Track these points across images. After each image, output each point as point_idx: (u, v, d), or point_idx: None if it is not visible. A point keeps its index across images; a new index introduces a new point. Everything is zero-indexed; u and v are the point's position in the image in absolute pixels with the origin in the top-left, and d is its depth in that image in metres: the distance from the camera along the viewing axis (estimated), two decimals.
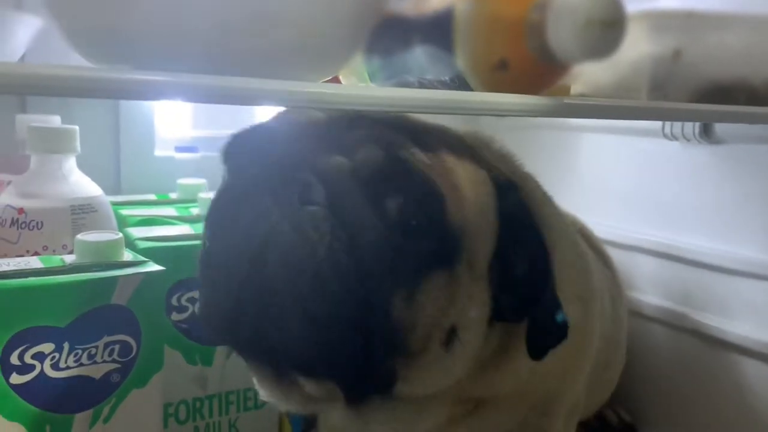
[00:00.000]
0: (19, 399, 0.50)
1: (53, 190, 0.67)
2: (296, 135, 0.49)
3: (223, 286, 0.46)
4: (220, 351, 0.67)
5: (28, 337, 0.50)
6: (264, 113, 0.63)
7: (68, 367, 0.52)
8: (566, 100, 0.47)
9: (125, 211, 0.75)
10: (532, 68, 0.44)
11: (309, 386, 0.49)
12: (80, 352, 0.52)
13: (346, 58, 0.46)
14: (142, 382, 0.55)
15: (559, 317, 0.49)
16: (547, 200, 0.60)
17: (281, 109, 0.55)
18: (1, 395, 0.49)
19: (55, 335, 0.51)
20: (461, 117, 0.46)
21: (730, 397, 0.80)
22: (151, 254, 0.59)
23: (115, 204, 0.75)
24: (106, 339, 0.53)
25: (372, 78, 0.53)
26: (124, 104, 0.91)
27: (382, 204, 0.45)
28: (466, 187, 0.48)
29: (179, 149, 0.95)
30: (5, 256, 0.64)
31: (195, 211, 0.77)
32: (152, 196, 0.86)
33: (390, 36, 0.49)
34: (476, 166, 0.50)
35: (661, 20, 0.58)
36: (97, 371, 0.53)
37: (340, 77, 0.56)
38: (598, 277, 0.67)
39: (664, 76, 0.59)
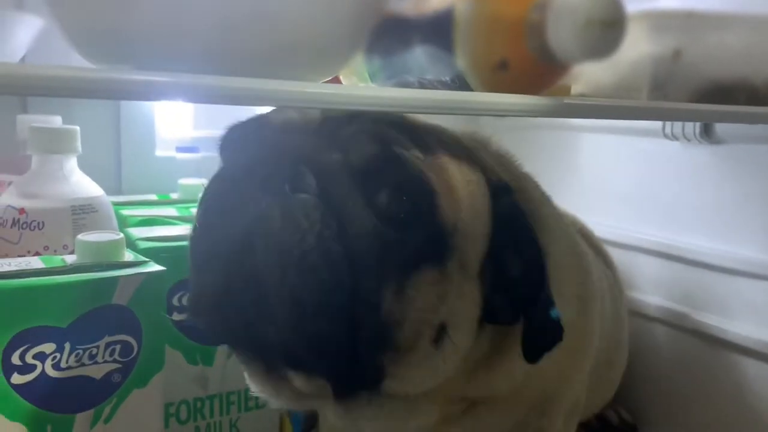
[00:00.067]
0: (21, 399, 0.50)
1: (54, 190, 0.68)
2: (291, 128, 0.49)
3: (211, 271, 0.46)
4: (221, 351, 0.67)
5: (30, 337, 0.50)
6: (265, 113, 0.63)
7: (69, 367, 0.52)
8: (566, 100, 0.47)
9: (126, 212, 0.75)
10: (532, 68, 0.45)
11: (298, 381, 0.48)
12: (81, 352, 0.52)
13: (346, 58, 0.46)
14: (143, 382, 0.55)
15: (553, 313, 0.49)
16: (545, 200, 0.60)
17: None
18: (2, 395, 0.49)
19: (57, 335, 0.51)
20: (461, 117, 0.46)
21: (730, 397, 0.80)
22: (152, 254, 0.59)
23: (115, 204, 0.75)
24: (107, 339, 0.53)
25: (372, 78, 0.53)
26: (125, 104, 0.91)
27: (374, 196, 0.45)
28: (461, 187, 0.48)
29: (180, 149, 0.96)
30: (6, 256, 0.64)
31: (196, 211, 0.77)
32: (153, 197, 0.86)
33: (390, 36, 0.49)
34: (472, 167, 0.50)
35: (661, 20, 0.58)
36: (98, 371, 0.53)
37: (341, 77, 0.56)
38: (598, 277, 0.67)
39: (665, 76, 0.59)
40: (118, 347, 0.54)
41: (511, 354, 0.52)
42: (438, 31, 0.47)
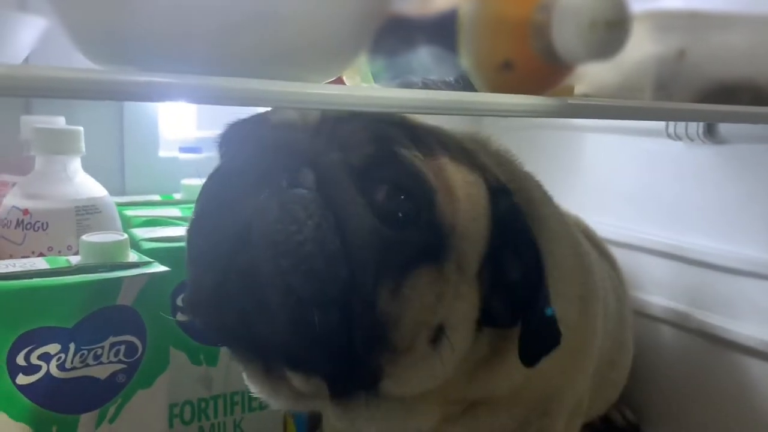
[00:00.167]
0: (26, 399, 0.50)
1: (58, 191, 0.68)
2: (290, 126, 0.49)
3: (207, 265, 0.45)
4: (225, 351, 0.67)
5: (35, 338, 0.50)
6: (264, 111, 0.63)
7: (74, 368, 0.52)
8: (570, 101, 0.47)
9: (130, 212, 0.75)
10: (536, 69, 0.45)
11: (296, 380, 0.48)
12: (86, 352, 0.52)
13: (350, 58, 0.46)
14: (147, 383, 0.56)
15: (550, 316, 0.49)
16: (546, 200, 0.60)
17: None
18: (7, 396, 0.49)
19: (61, 336, 0.51)
20: (463, 116, 0.46)
21: (734, 397, 0.80)
22: (156, 255, 0.59)
23: (119, 205, 0.75)
24: (112, 339, 0.53)
25: (376, 78, 0.53)
26: (129, 105, 0.91)
27: (372, 194, 0.45)
28: (460, 188, 0.48)
29: (183, 150, 0.96)
30: (11, 256, 0.64)
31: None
32: (156, 197, 0.86)
33: (394, 36, 0.49)
34: (471, 168, 0.50)
35: (665, 20, 0.58)
36: (102, 372, 0.53)
37: (344, 77, 0.56)
38: (600, 277, 0.67)
39: (669, 76, 0.59)
40: (122, 348, 0.54)
41: (511, 356, 0.52)
42: (442, 31, 0.47)
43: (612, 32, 0.41)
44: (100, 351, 0.53)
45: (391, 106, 0.42)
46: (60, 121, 0.79)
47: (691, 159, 0.84)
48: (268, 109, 0.52)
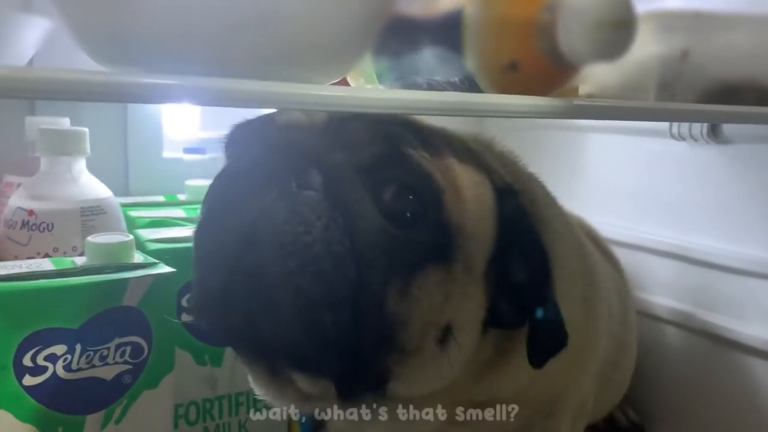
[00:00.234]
0: (32, 400, 0.50)
1: (63, 192, 0.68)
2: (296, 127, 0.48)
3: (214, 266, 0.45)
4: (230, 352, 0.67)
5: (41, 339, 0.50)
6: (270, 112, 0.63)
7: (80, 369, 0.52)
8: (576, 102, 0.47)
9: (134, 213, 0.76)
10: (542, 69, 0.44)
11: (302, 382, 0.48)
12: (92, 353, 0.52)
13: (355, 59, 0.46)
14: (153, 384, 0.56)
15: (557, 317, 0.49)
16: (550, 201, 0.60)
17: None
18: (14, 397, 0.50)
19: (68, 337, 0.51)
20: (466, 117, 0.46)
21: (738, 398, 0.80)
22: (161, 256, 0.59)
23: (123, 205, 0.76)
24: (118, 340, 0.53)
25: (380, 79, 0.53)
26: (132, 106, 0.92)
27: (380, 194, 0.45)
28: (466, 188, 0.48)
29: (187, 151, 0.96)
30: (16, 257, 0.64)
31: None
32: (160, 198, 0.86)
33: (399, 37, 0.49)
34: (477, 169, 0.50)
35: (668, 21, 0.58)
36: (108, 372, 0.53)
37: (348, 78, 0.56)
38: (604, 278, 0.67)
39: (672, 76, 0.59)
40: (128, 348, 0.54)
41: (517, 357, 0.52)
42: (447, 32, 0.47)
43: (618, 33, 0.41)
44: (106, 352, 0.53)
45: (395, 107, 0.42)
46: (64, 122, 0.79)
47: (695, 159, 0.84)
48: (274, 110, 0.52)
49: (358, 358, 0.45)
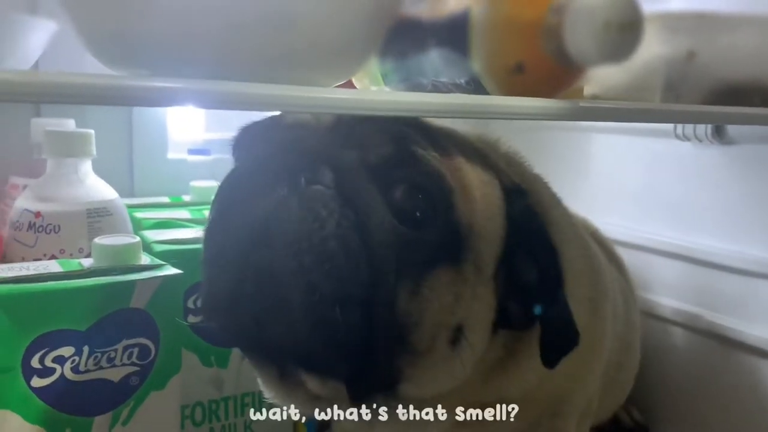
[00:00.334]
0: (40, 402, 0.50)
1: (69, 193, 0.68)
2: (306, 127, 0.48)
3: (225, 265, 0.45)
4: (236, 353, 0.68)
5: (49, 341, 0.50)
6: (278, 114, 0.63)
7: (88, 370, 0.52)
8: (582, 103, 0.47)
9: (139, 214, 0.76)
10: (548, 71, 0.44)
11: (312, 383, 0.48)
12: (100, 355, 0.52)
13: (361, 61, 0.46)
14: (160, 385, 0.56)
15: (567, 317, 0.49)
16: (555, 202, 0.60)
17: None
18: (22, 398, 0.50)
19: (75, 339, 0.51)
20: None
21: (743, 398, 0.80)
22: (167, 257, 0.59)
23: (128, 206, 0.76)
24: (125, 342, 0.53)
25: (385, 80, 0.53)
26: (137, 108, 0.92)
27: (391, 194, 0.45)
28: (476, 188, 0.48)
29: (192, 152, 0.96)
30: (23, 259, 0.65)
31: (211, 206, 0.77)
32: (165, 199, 0.86)
33: (405, 38, 0.49)
34: (485, 169, 0.50)
35: (673, 21, 0.58)
36: (116, 374, 0.53)
37: (353, 79, 0.56)
38: (609, 279, 0.67)
39: (678, 77, 0.58)
40: (135, 350, 0.54)
41: (526, 358, 0.52)
42: (453, 33, 0.47)
43: (625, 34, 0.41)
44: (113, 354, 0.53)
45: (400, 110, 0.42)
46: (70, 124, 0.79)
47: (700, 160, 0.83)
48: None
49: (369, 359, 0.45)
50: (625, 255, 0.87)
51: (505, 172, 0.52)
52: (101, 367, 0.53)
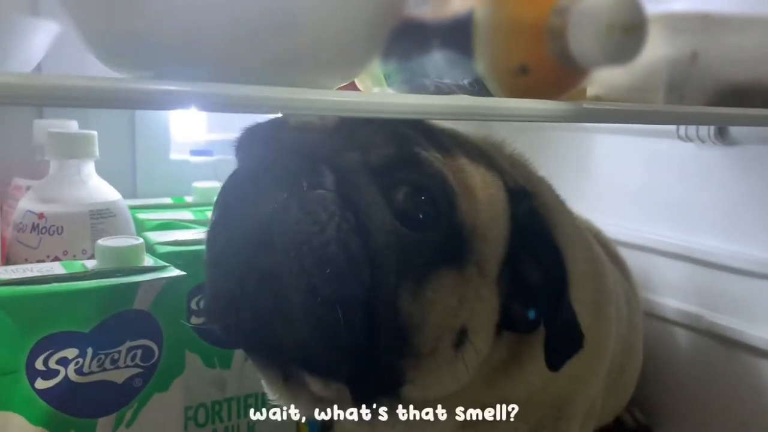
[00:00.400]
0: (44, 403, 0.50)
1: (72, 195, 0.68)
2: (308, 128, 0.48)
3: (227, 267, 0.45)
4: (239, 354, 0.68)
5: (53, 343, 0.50)
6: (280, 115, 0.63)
7: (92, 372, 0.52)
8: (585, 105, 0.47)
9: (142, 215, 0.76)
10: (552, 73, 0.44)
11: (315, 385, 0.48)
12: (103, 357, 0.52)
13: (364, 63, 0.46)
14: (164, 386, 0.56)
15: (572, 320, 0.49)
16: (559, 204, 0.60)
17: None
18: (26, 400, 0.50)
19: (79, 340, 0.51)
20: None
21: (745, 399, 0.80)
22: (171, 259, 0.59)
23: (131, 208, 0.76)
24: (129, 344, 0.53)
25: (388, 81, 0.53)
26: None
27: (393, 195, 0.45)
28: (479, 189, 0.48)
29: (194, 153, 0.96)
30: (26, 260, 0.65)
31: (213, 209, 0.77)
32: (168, 200, 0.87)
33: (408, 40, 0.49)
34: (489, 170, 0.50)
35: (677, 22, 0.58)
36: (119, 376, 0.53)
37: (356, 80, 0.56)
38: (612, 281, 0.67)
39: (682, 78, 0.58)
40: (139, 352, 0.54)
41: (530, 361, 0.52)
42: (457, 35, 0.46)
43: (629, 36, 0.41)
44: (117, 355, 0.53)
45: (404, 112, 0.42)
46: (72, 125, 0.79)
47: (702, 161, 0.83)
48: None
49: (372, 362, 0.45)
50: (627, 255, 0.87)
51: (509, 174, 0.51)
52: (105, 369, 0.53)
